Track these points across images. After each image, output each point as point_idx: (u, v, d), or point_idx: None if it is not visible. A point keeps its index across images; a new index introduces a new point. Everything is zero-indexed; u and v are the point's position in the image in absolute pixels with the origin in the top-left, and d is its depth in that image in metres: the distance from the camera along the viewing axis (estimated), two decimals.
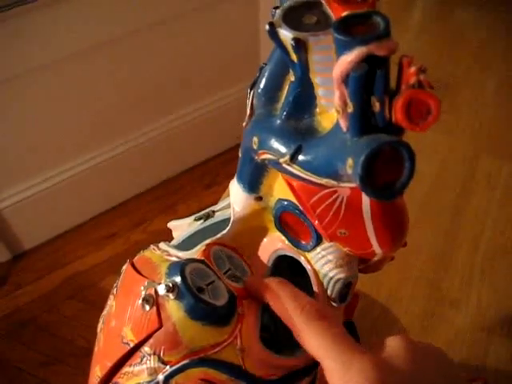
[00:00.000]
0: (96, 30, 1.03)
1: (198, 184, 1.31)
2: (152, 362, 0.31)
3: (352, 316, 0.42)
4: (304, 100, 0.27)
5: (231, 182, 0.37)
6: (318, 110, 0.28)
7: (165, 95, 1.23)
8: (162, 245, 0.38)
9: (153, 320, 0.31)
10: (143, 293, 0.32)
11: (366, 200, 0.28)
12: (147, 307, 0.32)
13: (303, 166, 0.27)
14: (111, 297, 0.37)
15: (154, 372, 0.31)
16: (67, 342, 1.07)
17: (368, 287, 0.62)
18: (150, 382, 0.31)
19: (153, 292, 0.32)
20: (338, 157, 0.24)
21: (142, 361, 0.32)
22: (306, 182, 0.28)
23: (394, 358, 0.27)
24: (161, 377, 0.31)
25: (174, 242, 0.40)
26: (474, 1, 1.56)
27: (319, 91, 0.27)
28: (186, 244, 0.38)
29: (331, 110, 0.27)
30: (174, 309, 0.31)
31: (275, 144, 0.28)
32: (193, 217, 0.41)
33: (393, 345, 0.28)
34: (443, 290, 0.69)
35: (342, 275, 0.33)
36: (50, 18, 0.96)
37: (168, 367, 0.31)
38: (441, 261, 0.73)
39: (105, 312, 0.37)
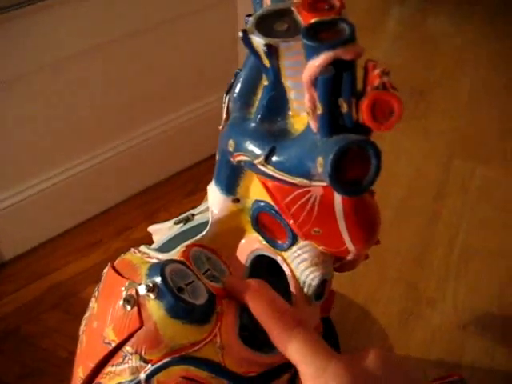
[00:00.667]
0: (74, 40, 1.03)
1: (180, 191, 1.31)
2: (134, 361, 0.32)
3: (329, 313, 0.43)
4: (277, 103, 0.29)
5: (209, 185, 0.38)
6: (290, 112, 0.29)
7: (146, 102, 1.23)
8: (143, 248, 0.39)
9: (134, 320, 0.32)
10: (124, 293, 0.33)
11: (338, 199, 0.30)
12: (128, 307, 0.32)
13: (277, 166, 0.28)
14: (93, 299, 0.38)
15: (135, 371, 0.32)
16: (50, 353, 1.06)
17: (346, 289, 0.63)
18: (132, 380, 0.32)
19: (134, 292, 0.33)
20: (309, 156, 0.26)
21: (123, 360, 0.32)
22: (280, 182, 0.30)
23: (367, 366, 0.28)
24: (143, 375, 0.31)
25: (154, 246, 0.40)
26: (447, 10, 1.60)
27: (291, 94, 0.28)
28: (166, 247, 0.39)
29: (303, 113, 0.28)
30: (155, 308, 0.31)
31: (250, 146, 0.30)
32: (173, 220, 0.42)
33: (368, 355, 0.29)
34: (420, 291, 0.70)
35: (317, 273, 0.34)
36: (38, 24, 0.96)
37: (149, 366, 0.31)
38: (417, 262, 0.74)
39: (87, 314, 0.38)
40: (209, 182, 0.38)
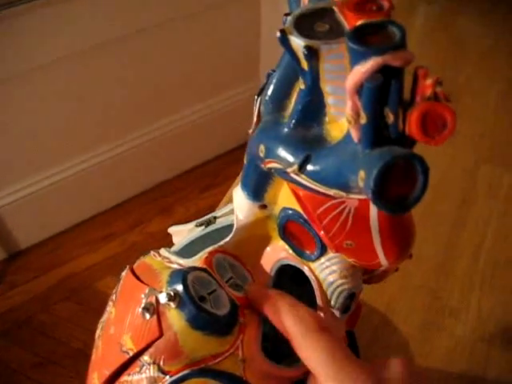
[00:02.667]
0: (101, 29, 1.03)
1: (195, 186, 1.30)
2: (151, 372, 0.31)
3: (354, 326, 0.42)
4: (313, 108, 0.27)
5: (235, 189, 0.36)
6: (327, 119, 0.27)
7: (164, 97, 1.22)
8: (163, 251, 0.38)
9: (153, 329, 0.31)
10: (144, 301, 0.32)
11: (373, 211, 0.28)
12: (147, 315, 0.31)
13: (312, 176, 0.27)
14: (110, 303, 0.36)
15: (153, 381, 0.30)
16: (62, 344, 1.06)
17: (368, 295, 0.61)
18: None
19: (153, 300, 0.31)
20: (349, 168, 0.24)
21: (141, 370, 0.31)
22: (313, 192, 0.28)
23: (393, 375, 0.27)
24: None
25: (174, 248, 0.39)
26: (477, 9, 1.56)
27: (329, 100, 0.26)
28: (186, 251, 0.38)
29: (341, 120, 0.26)
30: (176, 318, 0.30)
31: (283, 153, 0.28)
32: (194, 222, 0.41)
33: (395, 368, 0.28)
34: (443, 300, 0.68)
35: (346, 286, 0.32)
36: (51, 17, 0.95)
37: (168, 377, 0.30)
38: (441, 270, 0.72)
39: (103, 319, 0.37)
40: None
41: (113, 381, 0.32)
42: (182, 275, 0.31)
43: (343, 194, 0.26)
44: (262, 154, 0.29)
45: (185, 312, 0.30)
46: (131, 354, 0.31)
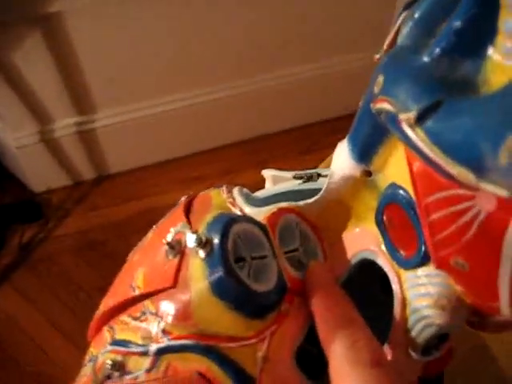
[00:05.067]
0: None
1: (294, 147, 1.28)
2: (151, 324, 0.26)
3: (434, 374, 0.32)
4: (476, 32, 0.19)
5: (339, 143, 0.28)
6: (492, 53, 0.18)
7: (283, 48, 1.21)
8: (235, 190, 0.32)
9: (168, 275, 0.26)
10: (170, 236, 0.27)
11: None
12: (170, 256, 0.26)
13: (431, 134, 0.18)
14: (153, 228, 0.32)
15: (149, 336, 0.26)
16: None
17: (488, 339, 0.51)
18: (139, 346, 0.26)
19: (183, 239, 0.26)
20: (491, 134, 0.16)
21: (141, 317, 0.26)
22: (430, 164, 0.20)
23: None
24: (154, 347, 0.25)
25: (257, 194, 0.33)
26: None
27: (508, 23, 0.18)
28: (267, 201, 0.31)
29: None
30: (197, 272, 0.25)
31: (404, 90, 0.20)
32: (293, 173, 0.35)
33: None
34: None
35: (437, 320, 0.24)
36: None
37: (166, 339, 0.25)
38: None
39: (140, 243, 0.33)
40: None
41: (114, 313, 0.29)
42: (225, 221, 0.25)
43: (472, 178, 0.17)
44: (376, 89, 0.22)
45: (210, 269, 0.24)
46: (137, 292, 0.27)
